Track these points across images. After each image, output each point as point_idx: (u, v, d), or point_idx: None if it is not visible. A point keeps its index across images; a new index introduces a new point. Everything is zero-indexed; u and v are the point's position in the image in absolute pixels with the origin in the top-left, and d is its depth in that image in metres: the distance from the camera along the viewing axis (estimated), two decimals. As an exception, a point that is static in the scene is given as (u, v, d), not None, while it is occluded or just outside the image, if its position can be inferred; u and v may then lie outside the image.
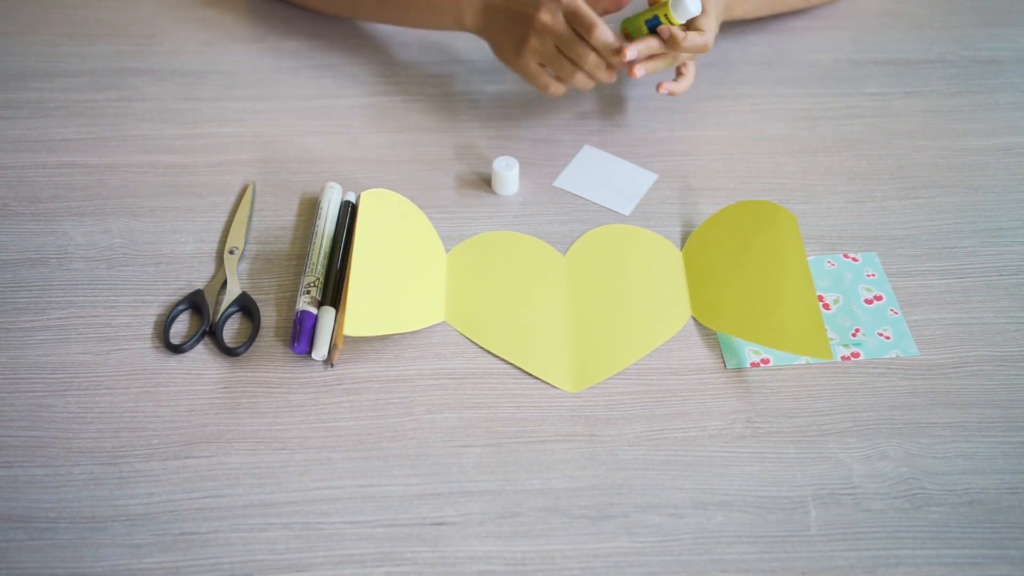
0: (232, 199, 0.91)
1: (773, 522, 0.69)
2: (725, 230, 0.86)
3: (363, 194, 0.82)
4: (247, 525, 0.69)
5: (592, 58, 0.88)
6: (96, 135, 0.97)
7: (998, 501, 0.70)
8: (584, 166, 0.95)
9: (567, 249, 0.87)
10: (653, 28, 0.88)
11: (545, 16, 0.88)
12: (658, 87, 0.92)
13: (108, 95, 1.01)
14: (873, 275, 0.85)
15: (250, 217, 0.89)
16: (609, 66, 0.89)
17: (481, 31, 0.95)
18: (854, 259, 0.86)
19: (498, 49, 0.94)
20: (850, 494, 0.71)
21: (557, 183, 0.93)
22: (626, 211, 0.91)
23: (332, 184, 0.90)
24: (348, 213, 0.88)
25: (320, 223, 0.86)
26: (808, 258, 0.85)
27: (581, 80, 0.91)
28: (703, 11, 0.89)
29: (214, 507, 0.70)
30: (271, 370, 0.78)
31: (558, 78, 0.92)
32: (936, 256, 0.87)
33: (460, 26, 0.96)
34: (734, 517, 0.70)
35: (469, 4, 0.94)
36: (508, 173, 0.91)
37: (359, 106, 1.01)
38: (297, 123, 0.99)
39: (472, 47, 1.07)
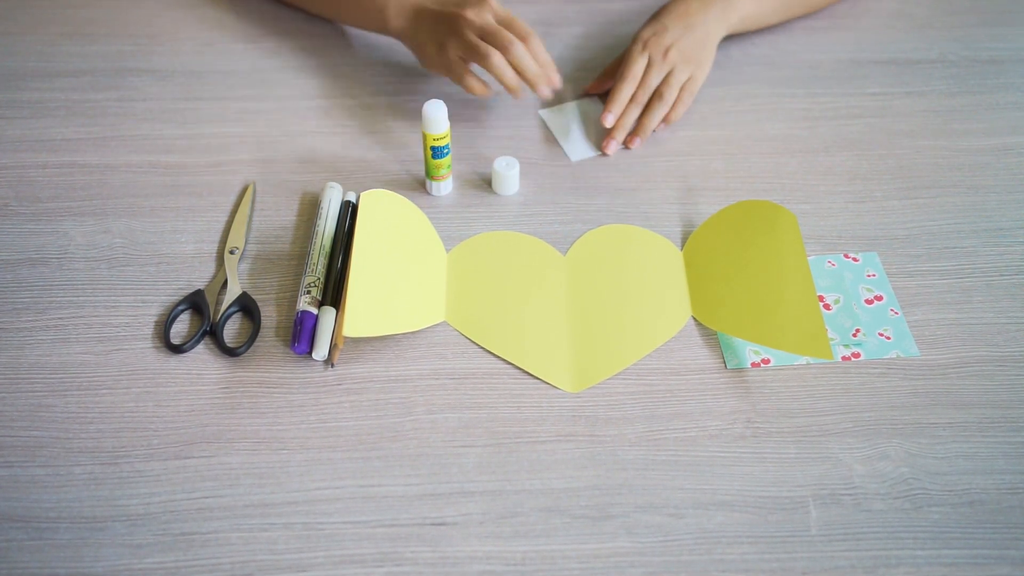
0: (232, 199, 0.91)
1: (774, 522, 0.69)
2: (725, 230, 0.86)
3: (363, 194, 0.82)
4: (247, 525, 0.69)
5: (519, 50, 0.89)
6: (96, 135, 0.97)
7: (999, 501, 0.70)
8: (574, 112, 1.00)
9: (567, 249, 0.87)
10: (437, 155, 0.88)
11: (471, 12, 0.90)
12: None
13: (108, 95, 1.01)
14: (874, 275, 0.85)
15: (250, 217, 0.89)
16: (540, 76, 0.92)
17: (405, 37, 0.97)
18: (854, 259, 0.86)
19: (422, 54, 0.96)
20: (851, 494, 0.71)
21: (540, 112, 0.99)
22: (573, 157, 0.95)
23: (332, 184, 0.90)
24: (348, 213, 0.88)
25: (320, 223, 0.86)
26: (808, 258, 0.85)
27: (502, 67, 0.90)
28: (640, 40, 0.95)
29: (214, 507, 0.70)
30: (271, 370, 0.78)
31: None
32: (937, 256, 0.87)
33: (384, 30, 0.98)
34: (735, 517, 0.70)
35: (395, 10, 0.96)
36: (508, 173, 0.91)
37: (359, 106, 1.01)
38: (297, 123, 0.99)
39: (472, 47, 1.07)
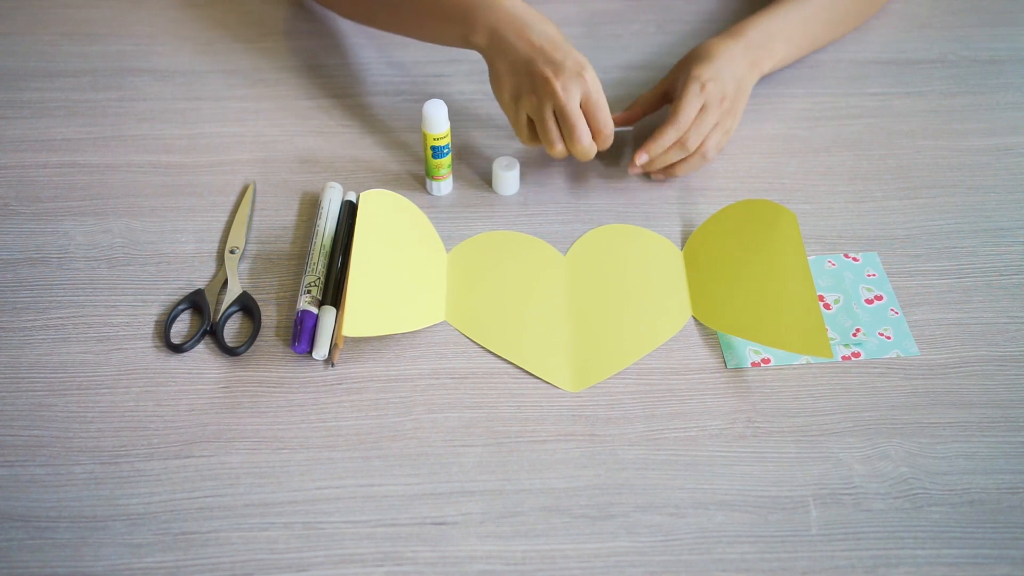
0: (233, 199, 0.91)
1: (774, 522, 0.69)
2: (725, 230, 0.86)
3: (363, 194, 0.82)
4: (247, 524, 0.69)
5: (586, 144, 0.86)
6: (97, 135, 0.97)
7: (999, 501, 0.70)
8: None
9: (567, 249, 0.87)
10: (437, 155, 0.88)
11: (560, 86, 0.83)
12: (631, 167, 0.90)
13: (109, 95, 1.01)
14: (874, 275, 0.85)
15: (251, 217, 0.89)
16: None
17: (486, 54, 0.89)
18: (855, 259, 0.86)
19: (495, 80, 0.89)
20: (851, 494, 0.71)
21: None
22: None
23: (332, 184, 0.90)
24: (349, 213, 0.88)
25: (321, 223, 0.86)
26: (809, 258, 0.85)
27: (560, 152, 0.87)
28: (698, 80, 0.88)
29: (214, 506, 0.70)
30: (272, 370, 0.78)
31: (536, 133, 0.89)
32: (937, 256, 0.87)
33: (467, 43, 0.90)
34: (735, 517, 0.70)
35: (482, 26, 0.88)
36: (508, 173, 0.91)
37: (359, 106, 1.01)
38: (297, 123, 0.99)
39: (473, 47, 1.07)
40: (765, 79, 1.03)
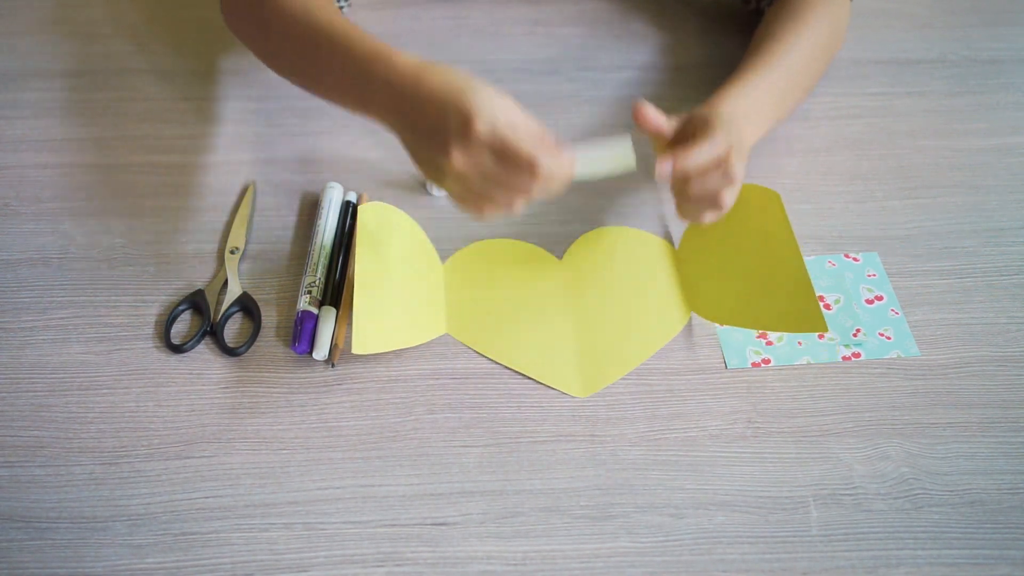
0: (233, 199, 0.91)
1: (774, 522, 0.69)
2: (717, 222, 0.85)
3: (360, 209, 0.81)
4: (248, 525, 0.69)
5: (536, 187, 0.69)
6: (97, 135, 0.97)
7: (999, 501, 0.70)
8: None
9: (564, 253, 0.87)
10: None
11: (458, 157, 0.68)
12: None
13: (109, 95, 1.01)
14: (874, 275, 0.85)
15: (251, 217, 0.89)
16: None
17: (392, 130, 0.74)
18: (855, 259, 0.86)
19: (413, 156, 0.73)
20: (851, 494, 0.71)
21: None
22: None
23: (333, 184, 0.90)
24: (349, 213, 0.88)
25: (321, 223, 0.86)
26: (809, 258, 0.85)
27: (519, 207, 0.71)
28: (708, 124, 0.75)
29: (215, 507, 0.70)
30: (272, 370, 0.78)
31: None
32: (937, 256, 0.87)
33: (366, 112, 0.76)
34: (735, 517, 0.70)
35: (380, 88, 0.73)
36: (509, 173, 0.90)
37: (360, 106, 1.00)
38: (298, 123, 0.99)
39: (472, 47, 1.07)
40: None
